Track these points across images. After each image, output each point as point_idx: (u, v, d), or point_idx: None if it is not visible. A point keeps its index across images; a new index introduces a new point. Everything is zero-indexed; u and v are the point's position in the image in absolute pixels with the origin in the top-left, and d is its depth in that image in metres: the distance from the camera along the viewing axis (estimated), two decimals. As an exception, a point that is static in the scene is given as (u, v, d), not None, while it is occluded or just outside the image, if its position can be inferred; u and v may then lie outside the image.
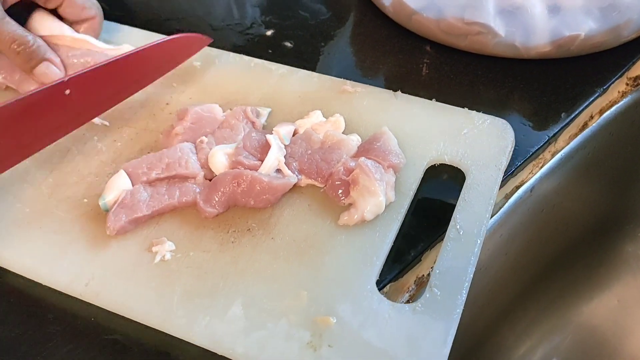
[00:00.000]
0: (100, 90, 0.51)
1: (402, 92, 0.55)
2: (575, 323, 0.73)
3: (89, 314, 0.42)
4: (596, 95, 0.59)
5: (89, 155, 0.51)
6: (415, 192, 0.47)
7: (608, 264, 0.75)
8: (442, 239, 0.44)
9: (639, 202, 0.75)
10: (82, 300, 0.42)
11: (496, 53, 0.61)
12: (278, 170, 0.47)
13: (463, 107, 0.53)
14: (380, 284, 0.42)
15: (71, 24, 0.58)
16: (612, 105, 0.62)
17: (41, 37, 0.54)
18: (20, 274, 0.43)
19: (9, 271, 0.44)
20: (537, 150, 0.54)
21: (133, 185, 0.46)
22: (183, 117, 0.50)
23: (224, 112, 0.52)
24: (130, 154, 0.50)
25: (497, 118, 0.52)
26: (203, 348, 0.39)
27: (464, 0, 0.58)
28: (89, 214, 0.46)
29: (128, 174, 0.46)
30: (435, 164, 0.49)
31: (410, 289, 0.46)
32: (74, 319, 0.42)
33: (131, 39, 0.60)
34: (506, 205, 0.54)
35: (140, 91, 0.55)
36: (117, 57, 0.51)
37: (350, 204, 0.45)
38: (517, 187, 0.55)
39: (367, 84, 0.56)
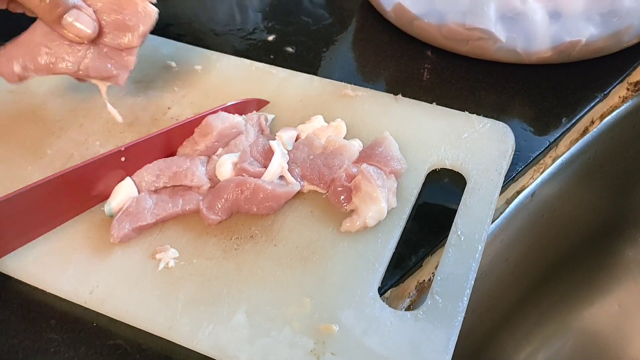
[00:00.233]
0: (155, 155, 0.49)
1: (403, 97, 0.55)
2: (576, 328, 0.73)
3: (90, 319, 0.42)
4: (597, 100, 0.60)
5: (92, 161, 0.51)
6: (416, 197, 0.47)
7: (609, 269, 0.75)
8: (443, 245, 0.44)
9: (640, 206, 0.75)
10: (84, 306, 0.42)
11: (497, 58, 0.61)
12: (281, 177, 0.47)
13: (463, 112, 0.53)
14: (381, 290, 0.43)
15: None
16: (613, 110, 0.62)
17: None
18: (25, 281, 0.43)
19: (12, 277, 0.44)
20: (538, 155, 0.55)
21: (139, 192, 0.46)
22: (207, 134, 0.49)
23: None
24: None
25: (497, 122, 0.52)
26: (206, 355, 0.39)
27: (465, 6, 0.58)
28: (93, 220, 0.46)
29: (134, 181, 0.46)
30: (436, 169, 0.50)
31: (411, 294, 0.47)
32: (76, 324, 0.42)
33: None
34: (507, 210, 0.54)
35: (141, 95, 0.55)
36: (175, 125, 0.50)
37: (352, 210, 0.45)
38: (518, 192, 0.55)
39: (368, 88, 0.56)
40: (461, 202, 0.46)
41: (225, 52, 0.61)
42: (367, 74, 0.63)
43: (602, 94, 0.60)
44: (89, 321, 0.42)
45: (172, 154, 0.50)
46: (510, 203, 0.54)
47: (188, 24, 0.70)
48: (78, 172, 0.45)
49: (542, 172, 0.56)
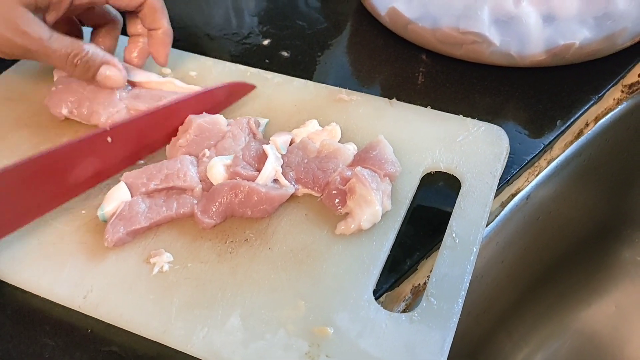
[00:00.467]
0: (141, 137, 0.50)
1: (397, 100, 0.55)
2: (573, 329, 0.73)
3: (85, 325, 0.42)
4: (591, 102, 0.60)
5: (86, 166, 0.51)
6: (411, 200, 0.47)
7: (605, 270, 0.75)
8: (438, 248, 0.44)
9: (636, 208, 0.75)
10: (78, 311, 0.42)
11: (491, 62, 0.62)
12: (275, 180, 0.47)
13: (458, 115, 0.53)
14: (377, 294, 0.43)
15: (94, 26, 0.57)
16: (607, 113, 0.62)
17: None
18: (19, 286, 0.43)
19: (6, 283, 0.44)
20: (532, 158, 0.55)
21: (132, 196, 0.46)
22: (187, 129, 0.50)
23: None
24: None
25: (491, 125, 0.52)
26: (200, 359, 0.39)
27: (459, 10, 0.58)
28: (87, 225, 0.46)
29: (128, 185, 0.46)
30: (431, 172, 0.50)
31: (407, 297, 0.47)
32: (71, 330, 0.42)
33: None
34: (502, 213, 0.54)
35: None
36: (160, 107, 0.51)
37: (347, 213, 0.45)
38: (513, 195, 0.55)
39: (363, 92, 0.56)
40: (456, 205, 0.46)
41: (220, 57, 0.61)
42: (362, 78, 0.63)
43: (597, 97, 0.60)
44: (83, 327, 0.42)
45: (160, 138, 0.51)
46: (505, 206, 0.55)
47: (184, 28, 0.70)
48: (63, 152, 0.45)
49: (537, 175, 0.57)
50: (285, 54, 0.67)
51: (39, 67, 0.59)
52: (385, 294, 0.45)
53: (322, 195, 0.47)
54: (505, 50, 0.60)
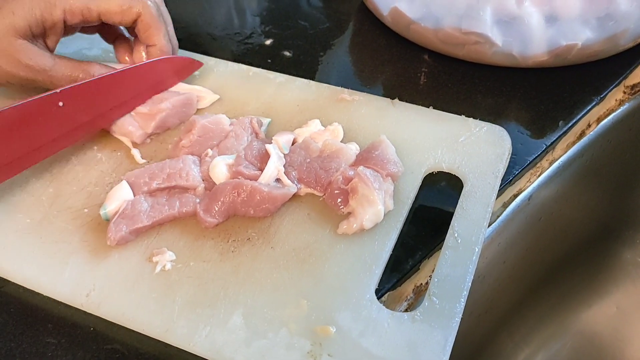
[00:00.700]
0: (93, 105, 0.51)
1: (400, 100, 0.55)
2: (574, 330, 0.73)
3: (88, 323, 0.42)
4: (594, 103, 0.60)
5: (88, 165, 0.51)
6: (413, 200, 0.47)
7: (607, 271, 0.75)
8: (440, 248, 0.44)
9: (637, 209, 0.75)
10: (81, 310, 0.42)
11: (494, 62, 0.62)
12: (278, 180, 0.47)
13: (460, 115, 0.53)
14: (379, 294, 0.43)
15: (109, 32, 0.57)
16: (609, 114, 0.62)
17: None
18: (21, 284, 0.43)
19: (10, 281, 0.44)
20: (534, 158, 0.55)
21: (135, 195, 0.46)
22: (190, 130, 0.50)
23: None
24: (130, 164, 0.51)
25: (493, 125, 0.52)
26: (204, 358, 0.39)
27: (461, 10, 0.58)
28: (89, 224, 0.46)
29: (130, 184, 0.46)
30: (433, 172, 0.50)
31: (409, 297, 0.47)
32: (73, 329, 0.42)
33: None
34: (504, 213, 0.54)
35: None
36: (109, 73, 0.51)
37: (349, 213, 0.45)
38: (515, 196, 0.55)
39: (365, 92, 0.56)
40: (458, 205, 0.46)
41: (223, 57, 0.61)
42: (364, 78, 0.63)
43: (599, 97, 0.60)
44: (86, 325, 0.42)
45: (113, 107, 0.52)
46: (507, 206, 0.55)
47: (186, 28, 0.70)
48: (14, 111, 0.45)
49: (539, 176, 0.57)
50: (287, 53, 0.67)
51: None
52: (388, 293, 0.45)
53: (324, 194, 0.47)
54: (508, 51, 0.60)
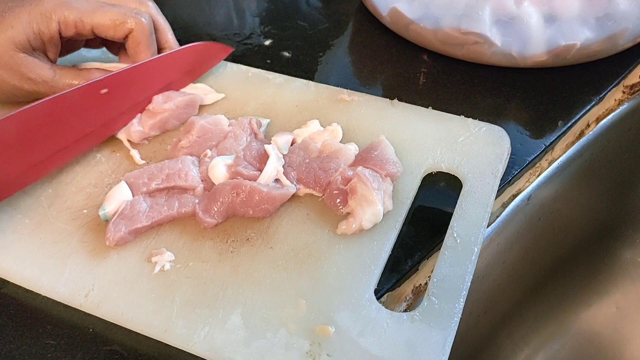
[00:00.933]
0: (132, 92, 0.53)
1: (399, 101, 0.55)
2: (574, 330, 0.73)
3: (87, 324, 0.42)
4: (593, 103, 0.60)
5: (88, 166, 0.51)
6: (412, 200, 0.47)
7: (606, 271, 0.75)
8: (439, 248, 0.44)
9: (637, 208, 0.75)
10: (80, 311, 0.42)
11: (493, 62, 0.62)
12: (277, 180, 0.47)
13: (459, 115, 0.53)
14: (378, 294, 0.43)
15: (115, 43, 0.57)
16: (608, 114, 0.62)
17: None
18: (20, 284, 0.43)
19: (9, 282, 0.44)
20: (534, 158, 0.55)
21: (133, 196, 0.46)
22: (189, 130, 0.50)
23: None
24: (129, 165, 0.51)
25: (492, 125, 0.52)
26: (202, 358, 0.39)
27: (460, 10, 0.58)
28: (88, 224, 0.46)
29: (129, 185, 0.46)
30: (432, 172, 0.50)
31: (408, 298, 0.47)
32: (73, 330, 0.42)
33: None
34: (503, 213, 0.54)
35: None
36: (146, 60, 0.53)
37: (348, 213, 0.45)
38: (515, 196, 0.55)
39: (364, 92, 0.56)
40: (457, 205, 0.46)
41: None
42: (363, 78, 0.63)
43: (598, 97, 0.60)
44: (85, 327, 0.42)
45: (148, 95, 0.53)
46: (506, 206, 0.55)
47: (185, 28, 0.70)
48: (57, 102, 0.47)
49: (538, 176, 0.57)
50: (286, 54, 0.67)
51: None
52: (387, 293, 0.45)
53: (323, 195, 0.47)
54: (507, 51, 0.60)
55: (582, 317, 0.74)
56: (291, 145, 0.50)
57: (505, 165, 0.51)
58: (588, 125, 0.61)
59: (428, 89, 0.61)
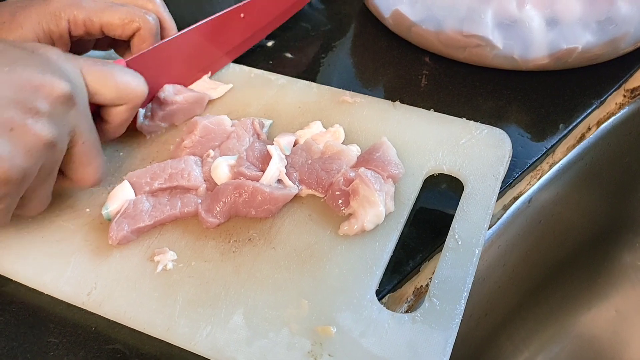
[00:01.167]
0: (266, 14, 0.64)
1: (401, 103, 0.55)
2: (574, 333, 0.73)
3: (89, 323, 0.42)
4: (594, 107, 0.60)
5: (91, 165, 0.51)
6: (414, 201, 0.47)
7: (606, 274, 0.75)
8: (441, 250, 0.44)
9: (637, 212, 0.75)
10: (83, 309, 0.42)
11: (494, 65, 0.62)
12: (279, 181, 0.47)
13: (461, 118, 0.53)
14: (379, 295, 0.43)
15: (122, 42, 0.57)
16: (609, 117, 0.62)
17: None
18: (23, 283, 0.43)
19: (11, 280, 0.44)
20: (535, 161, 0.55)
21: (136, 195, 0.46)
22: (192, 130, 0.51)
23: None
24: (132, 164, 0.51)
25: (494, 128, 0.52)
26: (205, 357, 0.39)
27: (462, 13, 0.59)
28: (91, 223, 0.46)
29: (132, 184, 0.46)
30: (433, 174, 0.50)
31: (409, 299, 0.47)
32: (75, 329, 0.42)
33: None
34: (504, 216, 0.54)
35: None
36: None
37: (350, 214, 0.45)
38: (515, 198, 0.55)
39: (366, 94, 0.57)
40: (458, 207, 0.46)
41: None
42: (366, 80, 0.63)
43: (599, 101, 0.61)
44: (88, 325, 0.42)
45: (274, 18, 0.66)
46: (507, 209, 0.55)
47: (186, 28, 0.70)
48: (214, 22, 0.58)
49: (539, 178, 0.57)
50: (289, 55, 0.67)
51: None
52: (388, 295, 0.45)
53: (325, 196, 0.47)
54: (509, 54, 0.60)
55: (582, 320, 0.74)
56: (293, 146, 0.51)
57: (507, 168, 0.51)
58: (589, 129, 0.61)
59: (430, 91, 0.62)
